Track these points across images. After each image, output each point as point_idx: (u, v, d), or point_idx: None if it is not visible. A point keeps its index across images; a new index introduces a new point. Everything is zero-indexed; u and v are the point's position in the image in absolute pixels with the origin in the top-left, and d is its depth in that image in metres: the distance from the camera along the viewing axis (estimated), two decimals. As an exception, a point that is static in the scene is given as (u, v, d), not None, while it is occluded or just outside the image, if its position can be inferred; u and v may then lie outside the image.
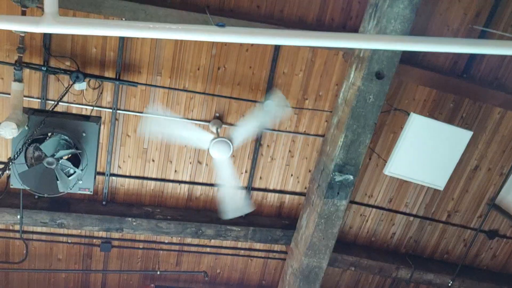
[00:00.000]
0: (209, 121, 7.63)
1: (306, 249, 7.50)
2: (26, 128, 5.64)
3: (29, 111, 5.80)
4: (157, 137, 7.49)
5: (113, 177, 7.92)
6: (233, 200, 6.78)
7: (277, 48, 7.30)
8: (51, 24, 3.14)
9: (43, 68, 6.76)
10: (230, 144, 6.29)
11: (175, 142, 7.65)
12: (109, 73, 7.12)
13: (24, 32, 5.75)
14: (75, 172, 5.91)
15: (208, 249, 9.12)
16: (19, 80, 5.80)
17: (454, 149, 7.21)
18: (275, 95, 6.63)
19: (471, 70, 7.51)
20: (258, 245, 9.21)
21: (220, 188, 6.77)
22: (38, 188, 5.74)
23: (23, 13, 5.62)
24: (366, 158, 8.10)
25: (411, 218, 8.86)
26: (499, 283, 9.32)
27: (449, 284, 9.00)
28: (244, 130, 6.29)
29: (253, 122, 6.17)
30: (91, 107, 7.26)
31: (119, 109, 7.39)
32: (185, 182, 8.18)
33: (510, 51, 3.66)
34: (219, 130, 7.37)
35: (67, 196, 7.58)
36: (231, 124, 7.68)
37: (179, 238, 8.81)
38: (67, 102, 7.18)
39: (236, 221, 8.29)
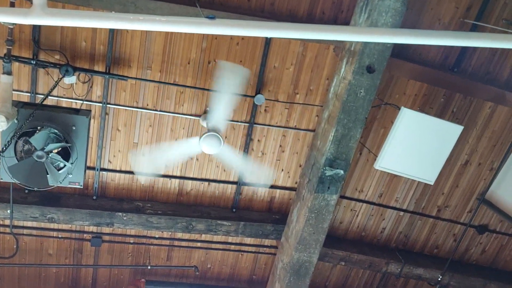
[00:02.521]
0: (199, 116, 7.62)
1: (296, 244, 7.50)
2: (16, 121, 5.61)
3: (18, 104, 5.77)
4: (157, 172, 7.49)
5: (104, 172, 7.89)
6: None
7: (267, 42, 7.29)
8: (40, 16, 3.11)
9: (32, 61, 6.72)
10: (218, 135, 6.29)
11: (173, 163, 7.70)
12: (99, 67, 7.08)
13: (13, 24, 5.73)
14: (65, 165, 5.89)
15: (198, 244, 9.11)
16: (8, 72, 5.77)
17: (444, 144, 7.22)
18: (225, 65, 6.52)
19: (462, 65, 7.53)
20: (248, 240, 9.21)
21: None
22: (28, 181, 5.71)
23: (12, 5, 5.60)
24: (356, 153, 8.11)
25: (401, 213, 8.88)
26: (488, 278, 9.36)
27: (439, 279, 9.02)
28: (220, 113, 6.28)
29: (223, 103, 6.13)
30: (81, 101, 7.22)
31: (109, 103, 7.36)
32: (175, 177, 8.16)
33: (501, 44, 3.66)
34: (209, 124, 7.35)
35: (57, 190, 7.59)
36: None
37: (170, 233, 8.79)
38: (57, 96, 7.15)
39: (226, 216, 8.32)
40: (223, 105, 6.10)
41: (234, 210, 8.53)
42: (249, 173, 7.26)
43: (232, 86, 5.97)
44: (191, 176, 8.20)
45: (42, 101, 6.08)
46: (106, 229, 8.53)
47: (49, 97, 6.89)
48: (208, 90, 7.45)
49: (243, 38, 7.22)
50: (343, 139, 6.61)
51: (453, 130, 7.14)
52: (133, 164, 7.68)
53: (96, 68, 7.09)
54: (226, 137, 7.80)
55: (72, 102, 7.22)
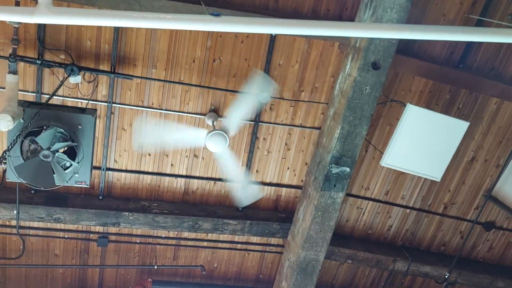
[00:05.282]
0: (205, 114, 7.61)
1: (303, 242, 7.49)
2: (22, 120, 5.61)
3: (24, 103, 5.78)
4: (153, 146, 7.55)
5: (110, 172, 7.90)
6: (243, 188, 6.89)
7: (272, 39, 7.28)
8: (45, 14, 3.11)
9: (37, 61, 6.73)
10: (226, 135, 6.30)
11: (172, 147, 7.67)
12: (104, 66, 7.08)
13: (18, 23, 5.72)
14: (71, 165, 5.89)
15: (205, 243, 9.11)
16: (14, 72, 5.77)
17: (450, 140, 7.20)
18: (258, 77, 6.55)
19: (467, 61, 7.50)
20: (255, 239, 9.20)
21: (228, 180, 6.83)
22: (35, 181, 5.71)
23: (17, 4, 5.61)
24: (362, 150, 8.09)
25: (408, 211, 8.86)
26: (496, 275, 9.33)
27: (446, 276, 8.99)
28: (236, 117, 6.28)
29: (243, 108, 6.14)
30: (87, 101, 7.22)
31: (115, 103, 7.36)
32: (181, 176, 8.16)
33: (506, 38, 3.64)
34: (215, 123, 7.34)
35: (63, 190, 7.60)
36: (227, 117, 7.68)
37: (176, 232, 8.79)
38: (62, 96, 7.15)
39: (232, 215, 8.31)
40: (244, 108, 6.11)
41: (240, 209, 8.52)
42: (239, 184, 7.20)
43: (259, 94, 6.01)
44: (197, 175, 8.20)
45: (48, 101, 6.09)
46: (113, 229, 8.54)
47: (55, 97, 6.89)
48: (213, 88, 7.46)
49: (247, 36, 7.21)
50: (349, 137, 6.60)
51: (459, 126, 7.11)
52: (135, 129, 7.64)
53: (101, 68, 7.08)
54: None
55: (77, 101, 7.22)
